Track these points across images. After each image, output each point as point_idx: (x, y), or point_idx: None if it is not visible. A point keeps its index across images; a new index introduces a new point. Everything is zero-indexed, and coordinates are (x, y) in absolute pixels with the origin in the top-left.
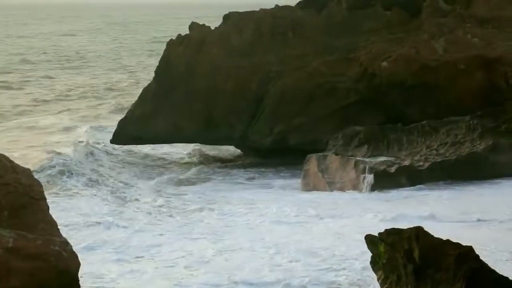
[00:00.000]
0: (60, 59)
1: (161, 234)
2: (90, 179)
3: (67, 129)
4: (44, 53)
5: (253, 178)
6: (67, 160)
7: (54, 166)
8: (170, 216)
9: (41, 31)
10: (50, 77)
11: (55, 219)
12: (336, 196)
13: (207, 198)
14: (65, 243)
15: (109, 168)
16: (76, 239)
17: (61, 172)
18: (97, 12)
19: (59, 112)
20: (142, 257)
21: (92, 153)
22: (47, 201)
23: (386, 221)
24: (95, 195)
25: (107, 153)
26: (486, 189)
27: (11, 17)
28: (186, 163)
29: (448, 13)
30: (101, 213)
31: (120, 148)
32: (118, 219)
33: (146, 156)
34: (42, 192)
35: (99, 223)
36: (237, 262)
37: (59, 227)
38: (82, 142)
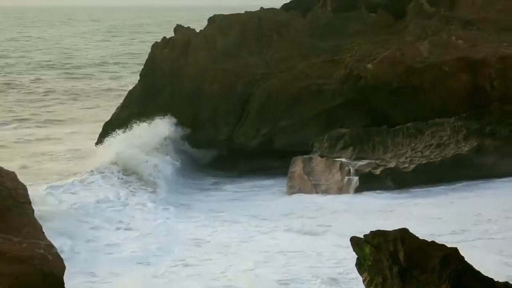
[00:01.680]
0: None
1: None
2: None
3: None
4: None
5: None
6: None
7: None
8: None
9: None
10: None
11: None
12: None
13: (180, 202)
14: (50, 246)
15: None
16: None
17: None
18: (87, 16)
19: None
20: None
21: None
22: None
23: None
24: None
25: None
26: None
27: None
28: None
29: (433, 15)
30: None
31: None
32: None
33: None
34: (27, 195)
35: None
36: None
37: None
38: None
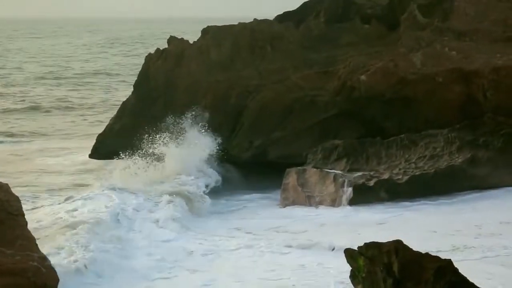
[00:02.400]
0: None
1: None
2: None
3: None
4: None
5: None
6: None
7: None
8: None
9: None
10: None
11: None
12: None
13: None
14: (44, 258)
15: None
16: None
17: None
18: (84, 27)
19: None
20: None
21: None
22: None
23: None
24: None
25: None
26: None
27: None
28: None
29: (426, 26)
30: None
31: None
32: None
33: None
34: (21, 207)
35: None
36: None
37: None
38: None
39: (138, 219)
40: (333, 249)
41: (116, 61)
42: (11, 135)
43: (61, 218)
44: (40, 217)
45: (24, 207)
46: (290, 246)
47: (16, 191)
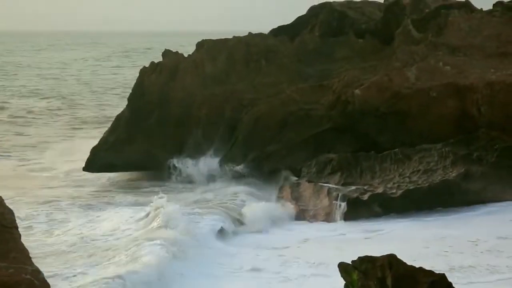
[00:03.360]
0: None
1: None
2: None
3: None
4: None
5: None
6: None
7: None
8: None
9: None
10: None
11: None
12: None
13: None
14: (37, 271)
15: None
16: None
17: None
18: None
19: None
20: None
21: None
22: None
23: None
24: None
25: None
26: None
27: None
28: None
29: (420, 41)
30: None
31: None
32: None
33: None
34: (14, 220)
35: None
36: None
37: None
38: None
39: None
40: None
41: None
42: None
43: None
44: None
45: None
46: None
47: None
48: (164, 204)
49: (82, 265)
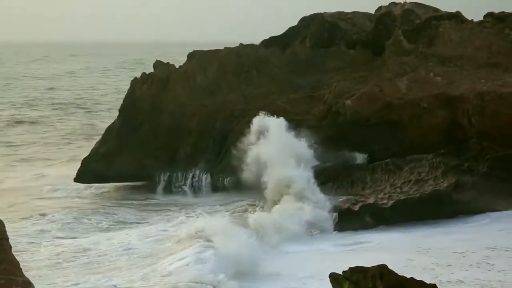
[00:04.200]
0: None
1: None
2: None
3: None
4: None
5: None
6: None
7: None
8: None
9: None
10: None
11: None
12: None
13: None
14: (28, 283)
15: None
16: None
17: None
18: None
19: None
20: None
21: None
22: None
23: None
24: None
25: None
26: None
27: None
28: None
29: (411, 52)
30: None
31: None
32: None
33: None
34: (5, 231)
35: None
36: None
37: None
38: None
39: None
40: None
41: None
42: None
43: None
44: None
45: None
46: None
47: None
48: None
49: None
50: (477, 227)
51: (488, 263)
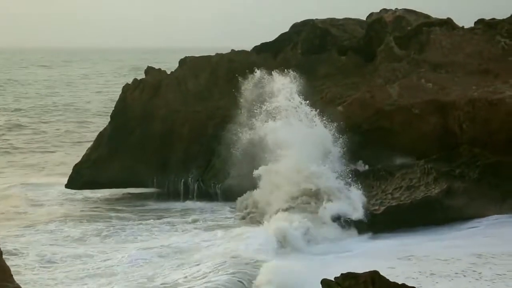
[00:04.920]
0: None
1: None
2: None
3: None
4: None
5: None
6: None
7: None
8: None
9: None
10: None
11: None
12: None
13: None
14: None
15: None
16: None
17: None
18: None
19: None
20: None
21: None
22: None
23: None
24: None
25: None
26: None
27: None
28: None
29: (402, 58)
30: None
31: None
32: None
33: None
34: None
35: None
36: None
37: None
38: None
39: None
40: None
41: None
42: None
43: None
44: None
45: None
46: None
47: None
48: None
49: None
50: (467, 233)
51: (474, 271)
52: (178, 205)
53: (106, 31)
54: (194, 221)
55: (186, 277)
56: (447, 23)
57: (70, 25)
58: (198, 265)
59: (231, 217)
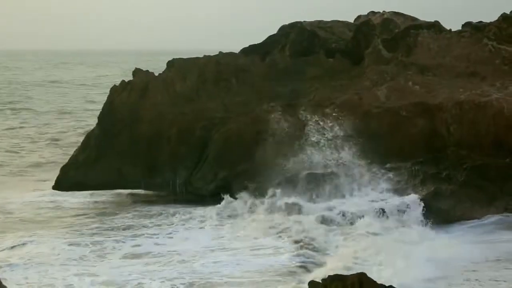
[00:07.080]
0: None
1: None
2: None
3: None
4: None
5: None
6: None
7: None
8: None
9: None
10: None
11: None
12: None
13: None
14: None
15: None
16: None
17: None
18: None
19: None
20: None
21: None
22: None
23: None
24: None
25: None
26: None
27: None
28: None
29: (390, 60)
30: None
31: None
32: None
33: None
34: None
35: None
36: None
37: None
38: None
39: None
40: None
41: None
42: None
43: None
44: None
45: None
46: None
47: None
48: None
49: None
50: (454, 235)
51: (466, 277)
52: (165, 206)
53: (107, 32)
54: (181, 221)
55: None
56: (435, 26)
57: (70, 25)
58: None
59: (218, 218)
